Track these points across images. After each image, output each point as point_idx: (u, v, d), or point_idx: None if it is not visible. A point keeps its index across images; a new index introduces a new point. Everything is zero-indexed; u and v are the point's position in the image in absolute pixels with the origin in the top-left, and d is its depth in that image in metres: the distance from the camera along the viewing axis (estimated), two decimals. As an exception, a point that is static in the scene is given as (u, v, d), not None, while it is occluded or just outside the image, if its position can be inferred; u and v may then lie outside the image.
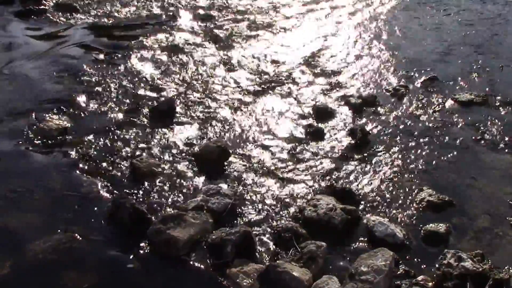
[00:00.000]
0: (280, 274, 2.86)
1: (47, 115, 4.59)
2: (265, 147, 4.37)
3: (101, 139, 4.33)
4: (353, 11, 7.77)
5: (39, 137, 4.30)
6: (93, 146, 4.23)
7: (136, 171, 3.88)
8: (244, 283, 2.88)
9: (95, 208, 3.53)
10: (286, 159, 4.21)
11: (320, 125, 4.70)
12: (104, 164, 4.01)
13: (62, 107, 4.80)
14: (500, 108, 5.01)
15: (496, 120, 4.77)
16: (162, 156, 4.16)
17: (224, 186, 3.77)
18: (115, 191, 3.70)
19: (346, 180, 3.97)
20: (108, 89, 5.18)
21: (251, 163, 4.14)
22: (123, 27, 6.94)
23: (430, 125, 4.74)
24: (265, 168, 4.07)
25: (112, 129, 4.49)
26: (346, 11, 7.78)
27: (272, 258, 3.14)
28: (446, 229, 3.37)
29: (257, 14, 7.50)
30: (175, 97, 5.10)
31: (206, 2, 7.92)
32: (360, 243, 3.31)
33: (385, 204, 3.69)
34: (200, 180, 3.90)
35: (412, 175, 4.02)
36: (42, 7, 7.30)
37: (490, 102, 5.11)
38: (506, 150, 4.33)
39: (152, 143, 4.35)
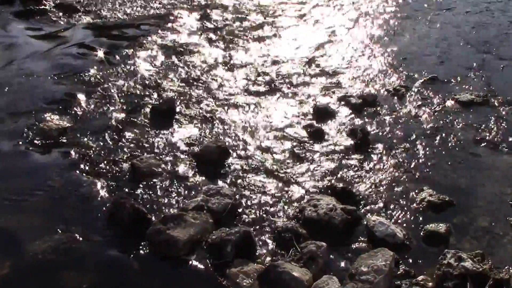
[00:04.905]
0: (280, 274, 2.86)
1: (47, 115, 4.59)
2: (265, 147, 4.37)
3: (101, 139, 4.33)
4: (353, 12, 7.76)
5: (39, 137, 4.30)
6: (93, 146, 4.23)
7: (136, 171, 3.88)
8: (244, 283, 2.88)
9: (95, 208, 3.53)
10: (286, 159, 4.21)
11: (320, 125, 4.69)
12: (104, 164, 4.01)
13: (62, 107, 4.80)
14: (501, 108, 5.01)
15: (497, 120, 4.76)
16: (162, 156, 4.16)
17: (224, 186, 3.77)
18: (115, 191, 3.70)
19: (346, 180, 3.96)
20: (108, 89, 5.18)
21: (251, 163, 4.14)
22: (123, 27, 6.94)
23: (430, 125, 4.74)
24: (265, 168, 4.07)
25: (112, 129, 4.50)
26: (346, 12, 7.77)
27: (272, 258, 3.14)
28: (446, 229, 3.36)
29: (258, 14, 7.49)
30: (175, 97, 5.10)
31: (207, 2, 7.92)
32: (360, 243, 3.31)
33: (385, 204, 3.68)
34: (200, 180, 3.90)
35: (412, 175, 4.01)
36: (42, 7, 7.31)
37: (491, 102, 5.10)
38: (507, 150, 4.32)
39: (152, 143, 4.35)
